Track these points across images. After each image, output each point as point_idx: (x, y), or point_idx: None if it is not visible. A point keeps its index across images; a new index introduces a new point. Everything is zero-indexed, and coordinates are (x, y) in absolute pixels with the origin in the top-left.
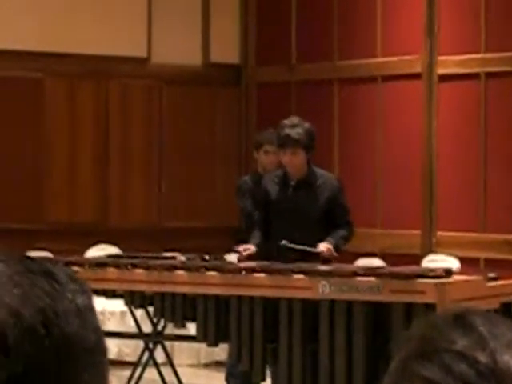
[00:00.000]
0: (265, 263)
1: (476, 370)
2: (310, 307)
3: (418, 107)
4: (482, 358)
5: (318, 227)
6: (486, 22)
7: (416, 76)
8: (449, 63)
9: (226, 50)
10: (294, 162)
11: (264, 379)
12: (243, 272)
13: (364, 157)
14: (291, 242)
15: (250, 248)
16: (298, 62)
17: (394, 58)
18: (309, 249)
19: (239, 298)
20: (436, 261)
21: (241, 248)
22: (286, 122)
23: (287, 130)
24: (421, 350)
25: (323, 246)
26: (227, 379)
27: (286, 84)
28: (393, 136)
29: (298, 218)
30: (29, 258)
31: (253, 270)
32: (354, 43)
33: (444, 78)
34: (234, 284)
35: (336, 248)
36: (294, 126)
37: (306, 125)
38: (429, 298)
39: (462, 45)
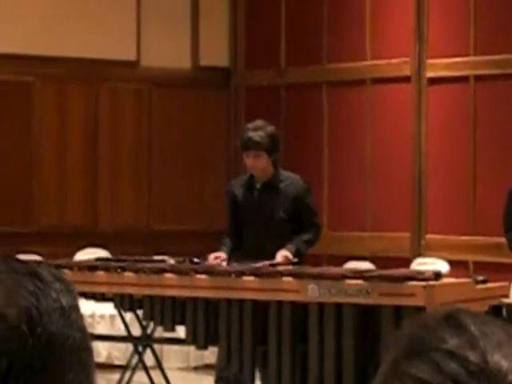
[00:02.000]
0: (254, 266)
1: (466, 369)
2: (299, 310)
3: (408, 110)
4: (473, 357)
5: (284, 229)
6: (475, 25)
7: (405, 79)
8: (438, 66)
9: (215, 53)
10: (257, 165)
11: (253, 382)
12: (233, 275)
13: (353, 160)
14: (259, 245)
15: (221, 256)
16: (287, 66)
17: (383, 61)
18: (262, 263)
19: (229, 301)
20: (425, 264)
21: (211, 256)
22: (249, 125)
23: (250, 134)
24: (411, 349)
25: (280, 256)
26: (217, 382)
27: (275, 87)
28: (382, 139)
29: (264, 221)
30: (13, 258)
31: (242, 273)
32: (343, 46)
33: (433, 81)
34: (223, 287)
35: (297, 253)
36: (257, 129)
37: (270, 128)
38: (418, 301)
39: (450, 48)
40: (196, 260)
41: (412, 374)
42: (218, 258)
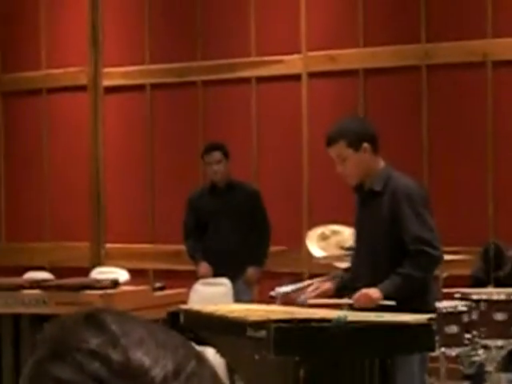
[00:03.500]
0: None
1: (108, 368)
2: None
3: (85, 120)
4: (114, 355)
5: None
6: (150, 34)
7: (81, 88)
8: (114, 75)
9: None
10: None
11: None
12: None
13: (33, 170)
14: None
15: None
16: None
17: (59, 70)
18: None
19: None
20: (105, 273)
21: None
22: None
23: None
24: (53, 350)
25: None
26: None
27: None
28: (60, 149)
29: None
30: None
31: None
32: (17, 55)
33: (109, 90)
34: None
35: None
36: None
37: None
38: None
39: (126, 56)
40: None
41: (53, 374)
42: None
